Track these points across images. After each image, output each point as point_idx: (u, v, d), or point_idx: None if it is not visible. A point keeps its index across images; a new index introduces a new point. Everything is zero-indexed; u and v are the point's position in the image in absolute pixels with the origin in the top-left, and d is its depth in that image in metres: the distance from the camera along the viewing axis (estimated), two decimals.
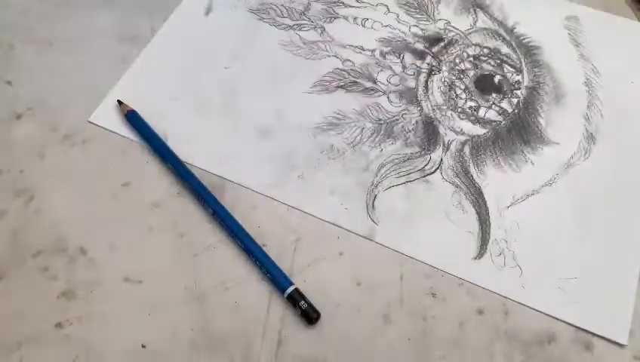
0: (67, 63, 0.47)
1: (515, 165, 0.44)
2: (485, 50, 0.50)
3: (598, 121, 0.46)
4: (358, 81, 0.47)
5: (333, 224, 0.41)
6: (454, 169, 0.43)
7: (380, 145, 0.44)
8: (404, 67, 0.48)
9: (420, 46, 0.50)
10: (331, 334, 0.37)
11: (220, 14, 0.51)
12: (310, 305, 0.37)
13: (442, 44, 0.50)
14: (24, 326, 0.36)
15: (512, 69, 0.49)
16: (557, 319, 0.37)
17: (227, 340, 0.36)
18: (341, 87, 0.47)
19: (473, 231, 0.41)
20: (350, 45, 0.49)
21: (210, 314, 0.37)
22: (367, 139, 0.44)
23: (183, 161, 0.42)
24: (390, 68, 0.48)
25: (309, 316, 0.37)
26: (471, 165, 0.44)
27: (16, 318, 0.37)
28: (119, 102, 0.45)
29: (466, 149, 0.44)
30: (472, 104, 0.47)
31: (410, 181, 0.43)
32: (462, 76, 0.48)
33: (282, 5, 0.52)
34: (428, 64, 0.49)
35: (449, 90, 0.47)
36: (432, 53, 0.49)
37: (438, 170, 0.43)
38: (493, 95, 0.47)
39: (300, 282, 0.38)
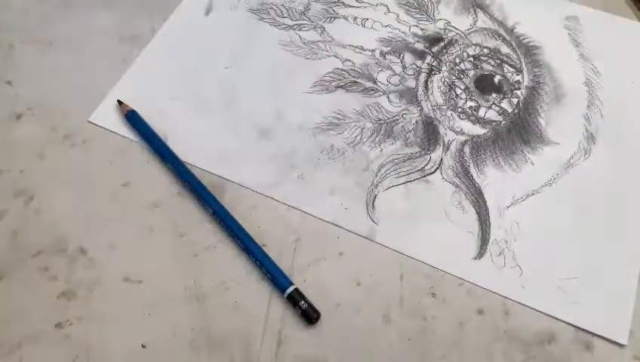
0: (67, 63, 0.47)
1: (515, 165, 0.44)
2: (485, 50, 0.50)
3: (598, 121, 0.46)
4: (358, 81, 0.47)
5: (333, 224, 0.41)
6: (454, 169, 0.43)
7: (380, 145, 0.44)
8: (404, 67, 0.48)
9: (420, 46, 0.50)
10: (331, 334, 0.37)
11: (220, 14, 0.51)
12: (310, 305, 0.37)
13: (442, 44, 0.50)
14: (24, 326, 0.36)
15: (512, 69, 0.49)
16: (557, 319, 0.37)
17: (227, 340, 0.36)
18: (341, 87, 0.47)
19: (473, 231, 0.41)
20: (350, 45, 0.49)
21: (210, 314, 0.37)
22: (367, 139, 0.44)
23: (183, 161, 0.42)
24: (390, 68, 0.48)
25: (309, 316, 0.37)
26: (471, 165, 0.44)
27: (16, 318, 0.37)
28: (119, 102, 0.45)
29: (466, 149, 0.44)
30: (472, 104, 0.47)
31: (410, 181, 0.43)
32: (462, 76, 0.48)
33: (282, 5, 0.52)
34: (428, 64, 0.49)
35: (449, 90, 0.47)
36: (432, 53, 0.49)
37: (438, 170, 0.43)
38: (493, 95, 0.47)
39: (299, 282, 0.38)
